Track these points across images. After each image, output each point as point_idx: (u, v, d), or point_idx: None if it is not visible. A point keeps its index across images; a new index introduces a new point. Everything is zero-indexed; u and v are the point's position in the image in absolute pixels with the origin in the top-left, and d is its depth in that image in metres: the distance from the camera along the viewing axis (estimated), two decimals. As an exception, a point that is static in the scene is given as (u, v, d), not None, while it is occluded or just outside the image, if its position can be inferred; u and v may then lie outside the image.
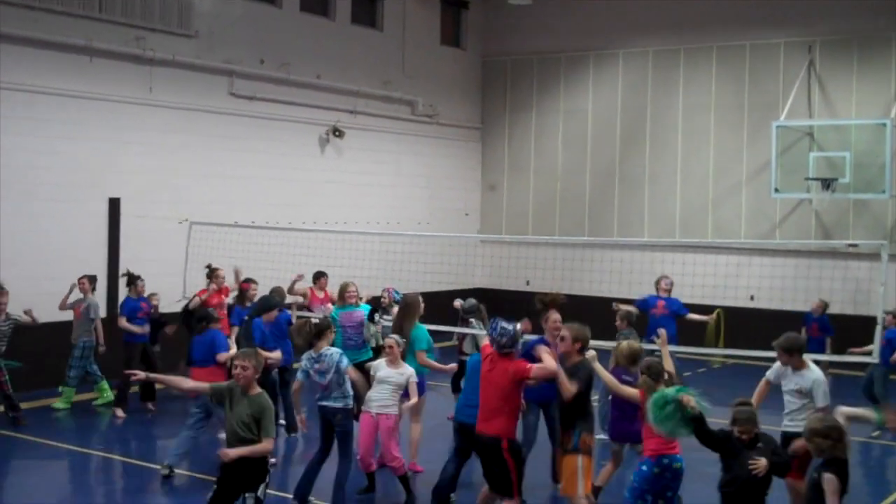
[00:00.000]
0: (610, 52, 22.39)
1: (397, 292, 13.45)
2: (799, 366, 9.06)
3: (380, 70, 21.28)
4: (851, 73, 19.74)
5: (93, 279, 14.51)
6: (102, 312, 14.76)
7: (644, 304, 15.23)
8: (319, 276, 15.89)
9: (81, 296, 14.33)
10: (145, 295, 14.48)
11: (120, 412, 13.90)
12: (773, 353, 14.34)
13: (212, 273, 14.41)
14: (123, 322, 14.12)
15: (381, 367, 10.29)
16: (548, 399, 10.04)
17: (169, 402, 14.55)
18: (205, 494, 8.15)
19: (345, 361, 9.77)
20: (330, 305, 14.47)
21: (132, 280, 14.38)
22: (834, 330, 16.70)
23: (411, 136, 22.12)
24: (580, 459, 8.56)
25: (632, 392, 8.69)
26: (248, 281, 13.77)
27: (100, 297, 15.18)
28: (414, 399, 10.30)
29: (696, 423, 7.60)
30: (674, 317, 14.78)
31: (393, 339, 10.44)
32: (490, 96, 24.05)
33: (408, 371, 10.30)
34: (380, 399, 10.15)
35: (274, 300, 12.53)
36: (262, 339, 11.91)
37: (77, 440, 12.66)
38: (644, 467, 8.33)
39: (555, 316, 10.00)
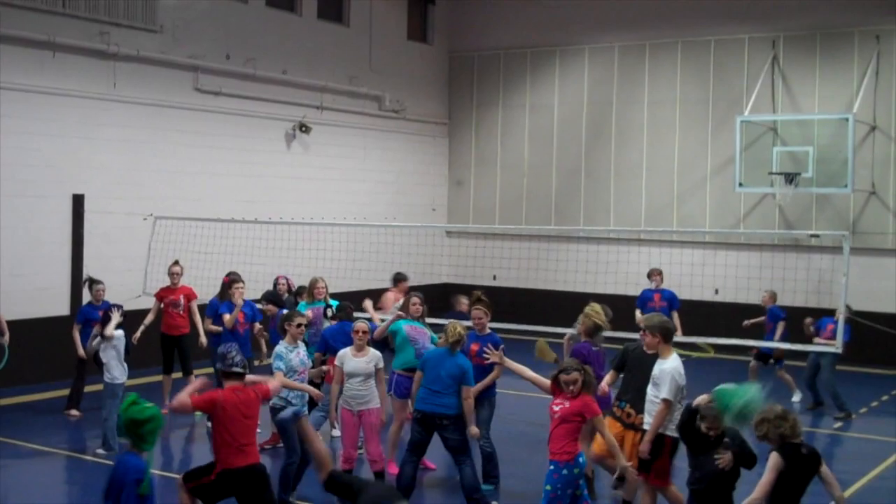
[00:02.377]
0: (576, 48, 22.48)
1: (331, 303, 12.79)
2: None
3: (346, 65, 21.25)
4: (815, 68, 19.94)
5: None
6: (65, 310, 14.56)
7: (642, 301, 15.82)
8: (400, 280, 15.15)
9: None
10: (106, 300, 13.59)
11: (74, 412, 13.67)
12: (737, 342, 14.61)
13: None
14: (75, 332, 13.54)
15: (347, 357, 9.97)
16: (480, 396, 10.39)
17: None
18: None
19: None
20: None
21: (91, 284, 13.82)
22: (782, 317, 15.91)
23: (378, 132, 22.11)
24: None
25: (544, 382, 8.54)
26: (233, 278, 13.49)
27: (63, 293, 15.07)
28: (380, 386, 10.04)
29: (689, 414, 7.76)
30: (669, 308, 15.45)
31: (364, 323, 10.19)
32: (457, 92, 24.08)
33: (374, 356, 10.00)
34: (355, 395, 9.91)
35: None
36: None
37: (41, 439, 12.56)
38: (564, 471, 8.05)
39: (476, 312, 10.66)
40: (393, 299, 14.10)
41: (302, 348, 9.94)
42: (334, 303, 12.60)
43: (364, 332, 9.97)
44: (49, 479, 11.40)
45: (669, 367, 8.63)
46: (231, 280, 13.25)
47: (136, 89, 17.04)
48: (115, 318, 11.90)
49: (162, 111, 17.52)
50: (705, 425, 7.63)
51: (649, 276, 16.48)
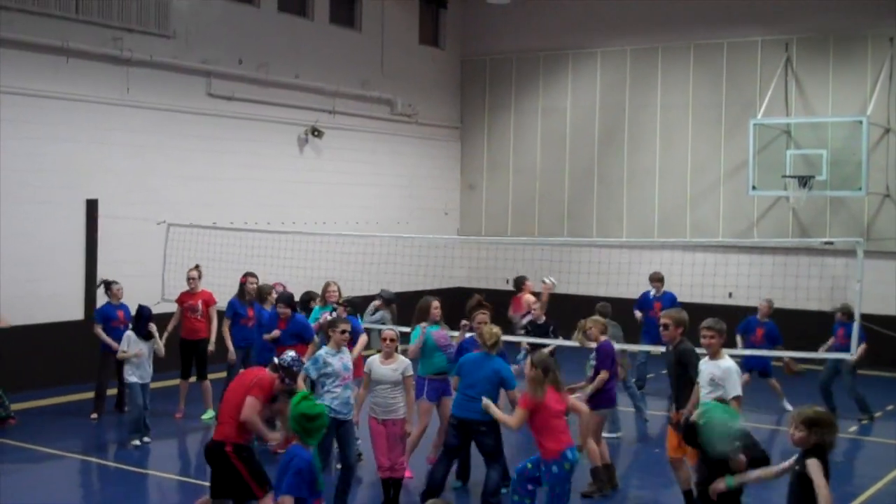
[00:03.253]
0: (588, 51, 22.46)
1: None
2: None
3: (358, 70, 21.27)
4: (828, 70, 19.86)
5: None
6: (80, 314, 14.62)
7: (640, 306, 15.98)
8: (523, 282, 15.52)
9: None
10: (122, 301, 13.86)
11: (94, 415, 13.76)
12: (751, 352, 14.59)
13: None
14: (98, 330, 13.64)
15: (374, 364, 9.79)
16: None
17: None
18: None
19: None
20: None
21: (108, 286, 13.94)
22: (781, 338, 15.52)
23: (390, 136, 22.12)
24: None
25: (511, 422, 8.66)
26: (248, 274, 13.73)
27: (77, 298, 15.12)
28: (409, 394, 9.82)
29: (688, 427, 7.67)
30: None
31: (392, 330, 10.04)
32: (469, 96, 24.07)
33: (402, 364, 9.78)
34: (381, 402, 9.70)
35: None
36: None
37: (59, 443, 12.59)
38: (555, 468, 8.35)
39: (481, 316, 10.79)
40: (531, 300, 14.94)
41: (345, 354, 9.84)
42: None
43: (392, 340, 9.80)
44: (66, 484, 11.39)
45: (729, 365, 8.75)
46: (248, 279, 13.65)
47: (149, 94, 17.08)
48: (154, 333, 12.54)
49: (175, 116, 17.56)
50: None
51: (651, 280, 16.67)
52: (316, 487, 6.96)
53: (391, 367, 9.73)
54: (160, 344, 12.74)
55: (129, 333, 12.45)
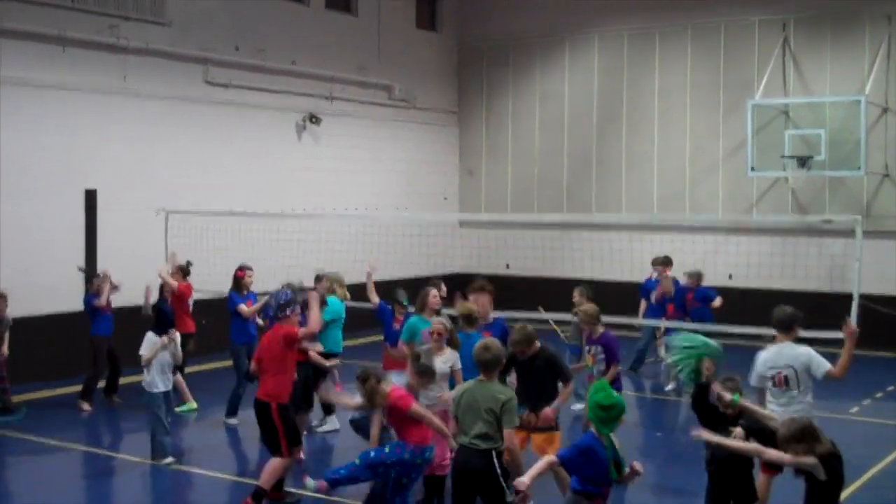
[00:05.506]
0: (585, 35, 22.41)
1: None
2: None
3: (356, 55, 21.23)
4: (826, 50, 19.82)
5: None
6: (79, 306, 14.54)
7: (645, 291, 16.09)
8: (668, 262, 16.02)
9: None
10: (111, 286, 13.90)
11: (86, 405, 13.77)
12: (752, 330, 14.64)
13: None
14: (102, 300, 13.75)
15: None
16: None
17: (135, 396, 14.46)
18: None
19: None
20: None
21: (89, 276, 14.02)
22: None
23: (388, 122, 22.09)
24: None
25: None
26: (245, 268, 13.51)
27: (77, 289, 15.11)
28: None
29: (699, 388, 7.76)
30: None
31: (441, 322, 9.59)
32: (467, 80, 24.03)
33: (450, 357, 9.36)
34: (427, 395, 9.18)
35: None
36: None
37: (53, 433, 12.62)
38: (407, 455, 8.19)
39: (482, 299, 10.46)
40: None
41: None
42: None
43: (439, 334, 9.43)
44: (64, 476, 11.40)
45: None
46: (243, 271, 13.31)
47: (146, 83, 17.06)
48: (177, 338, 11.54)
49: (172, 104, 17.54)
50: (721, 405, 7.66)
51: (653, 264, 16.52)
52: (608, 477, 6.80)
53: (440, 360, 9.32)
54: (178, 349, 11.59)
55: (150, 335, 11.27)
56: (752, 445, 7.16)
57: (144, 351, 11.12)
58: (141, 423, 12.31)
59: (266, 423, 9.27)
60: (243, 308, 12.95)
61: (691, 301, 15.30)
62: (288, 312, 9.35)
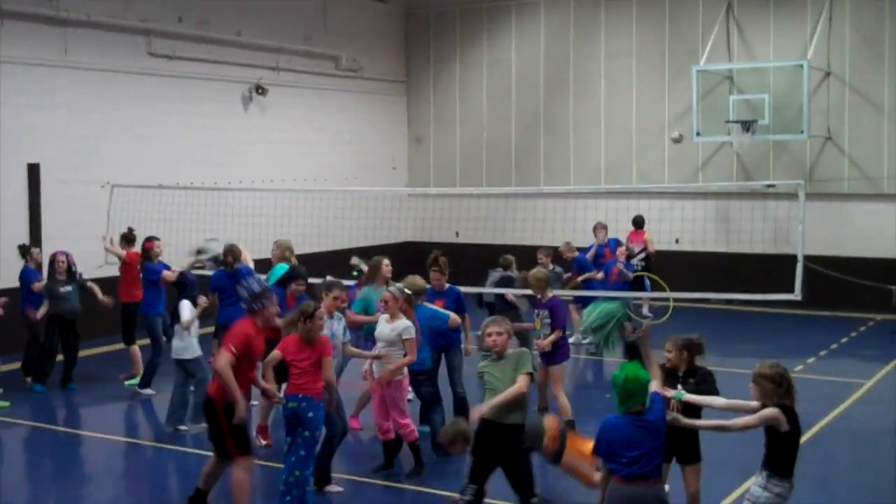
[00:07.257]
0: (531, 2, 22.41)
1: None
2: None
3: (301, 25, 21.06)
4: (769, 15, 20.01)
5: None
6: (15, 282, 14.29)
7: (598, 264, 16.42)
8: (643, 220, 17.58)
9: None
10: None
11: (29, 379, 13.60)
12: (700, 294, 14.84)
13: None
14: (38, 287, 13.50)
15: (380, 323, 9.54)
16: (448, 344, 10.75)
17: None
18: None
19: None
20: None
21: (26, 250, 13.87)
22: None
23: (335, 92, 21.97)
24: None
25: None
26: (151, 239, 13.46)
27: (21, 265, 14.86)
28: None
29: (630, 350, 7.72)
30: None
31: (390, 291, 9.58)
32: (414, 49, 23.95)
33: (400, 325, 9.33)
34: (378, 363, 9.44)
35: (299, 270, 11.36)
36: None
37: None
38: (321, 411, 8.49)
39: (434, 274, 11.10)
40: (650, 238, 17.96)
41: (336, 321, 9.46)
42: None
43: (386, 303, 9.45)
44: (13, 451, 11.33)
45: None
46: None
47: (88, 55, 16.81)
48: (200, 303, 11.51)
49: (115, 77, 17.31)
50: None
51: (594, 230, 17.00)
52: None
53: (390, 326, 9.37)
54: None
55: (185, 302, 11.31)
56: (719, 422, 7.31)
57: (186, 315, 11.11)
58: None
59: (212, 420, 8.41)
60: (168, 274, 12.96)
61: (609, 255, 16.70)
62: (265, 303, 8.41)
